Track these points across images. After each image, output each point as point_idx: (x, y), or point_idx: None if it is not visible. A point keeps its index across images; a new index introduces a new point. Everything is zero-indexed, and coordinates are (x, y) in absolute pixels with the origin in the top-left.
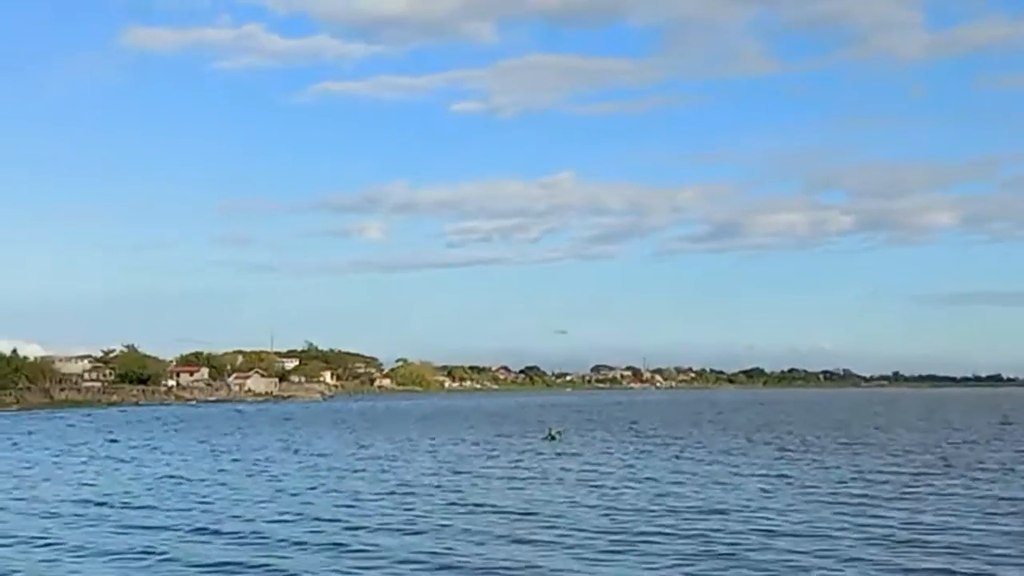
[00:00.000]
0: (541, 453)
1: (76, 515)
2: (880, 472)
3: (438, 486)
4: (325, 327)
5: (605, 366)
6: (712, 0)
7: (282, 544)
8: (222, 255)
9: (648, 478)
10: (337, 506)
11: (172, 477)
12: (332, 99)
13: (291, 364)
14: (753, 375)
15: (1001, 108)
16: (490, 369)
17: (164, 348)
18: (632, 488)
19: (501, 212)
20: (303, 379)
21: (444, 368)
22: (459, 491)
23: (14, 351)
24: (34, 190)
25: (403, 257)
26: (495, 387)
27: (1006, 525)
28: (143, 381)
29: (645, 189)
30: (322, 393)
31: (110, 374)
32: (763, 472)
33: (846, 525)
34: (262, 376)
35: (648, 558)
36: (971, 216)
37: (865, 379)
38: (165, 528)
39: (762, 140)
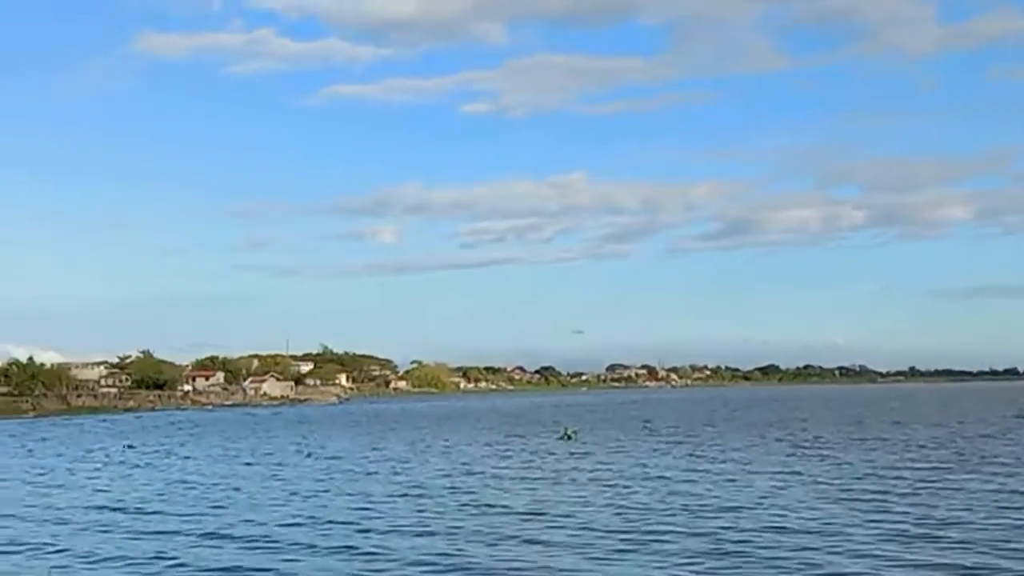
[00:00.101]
0: (554, 453)
1: (88, 521)
2: (894, 468)
3: (451, 487)
4: (340, 330)
5: (620, 365)
6: None
7: (293, 547)
8: (235, 259)
9: (660, 476)
10: (349, 509)
11: (185, 482)
12: (343, 102)
13: (306, 367)
14: (768, 372)
15: (1013, 101)
16: (505, 370)
17: (180, 353)
18: (644, 487)
19: (514, 212)
20: (318, 382)
21: (459, 369)
22: (472, 492)
23: (30, 358)
24: (47, 195)
25: (417, 259)
26: (510, 388)
27: (1021, 520)
28: (159, 386)
29: (657, 187)
30: (337, 396)
31: (126, 380)
32: (776, 469)
33: (859, 521)
34: (278, 380)
35: (660, 557)
36: (984, 209)
37: (881, 375)
38: (177, 533)
39: (773, 136)
